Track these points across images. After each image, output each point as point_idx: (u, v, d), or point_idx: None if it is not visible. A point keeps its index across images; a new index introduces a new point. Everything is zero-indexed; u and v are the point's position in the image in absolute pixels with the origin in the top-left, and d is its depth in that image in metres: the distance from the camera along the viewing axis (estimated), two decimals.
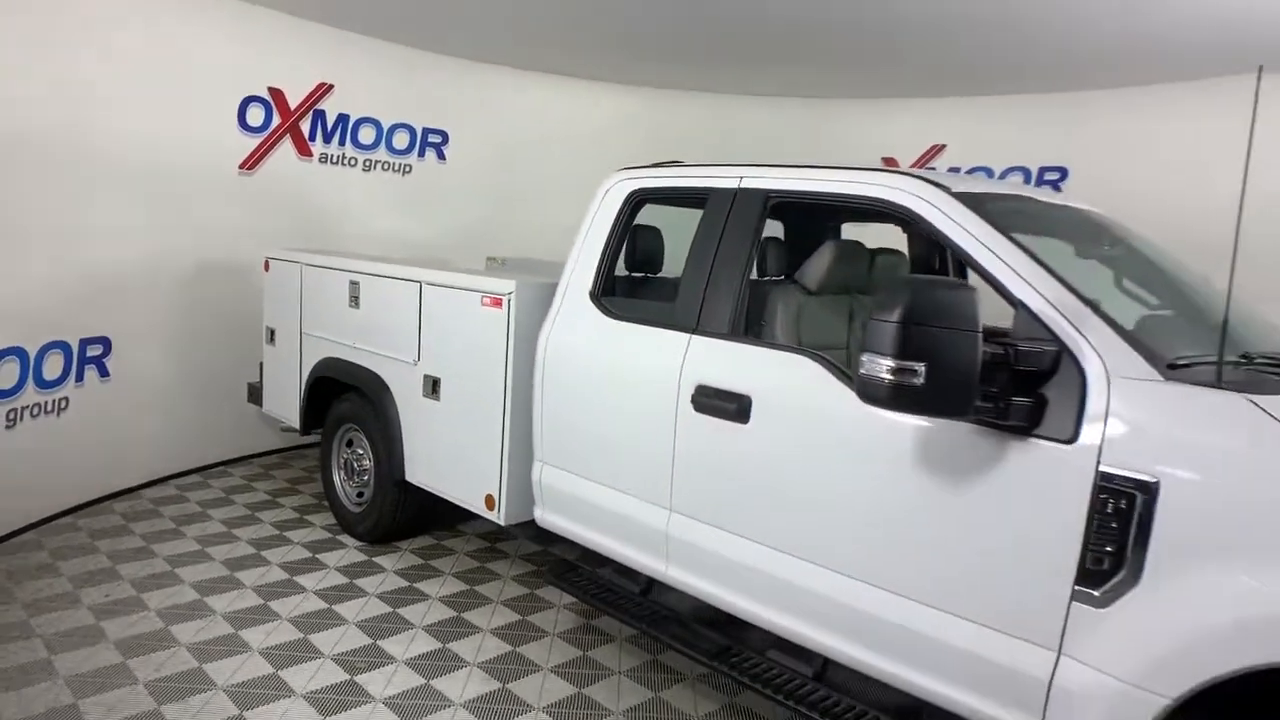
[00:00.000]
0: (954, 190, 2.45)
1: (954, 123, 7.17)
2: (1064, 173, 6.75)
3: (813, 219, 3.92)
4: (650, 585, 3.14)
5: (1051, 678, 2.02)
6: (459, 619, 3.64)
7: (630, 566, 3.10)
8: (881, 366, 1.93)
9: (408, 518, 4.26)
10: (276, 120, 5.74)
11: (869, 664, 2.41)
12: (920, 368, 1.91)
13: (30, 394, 4.29)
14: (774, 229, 3.59)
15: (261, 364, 5.11)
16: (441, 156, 6.72)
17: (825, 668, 2.62)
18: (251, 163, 5.63)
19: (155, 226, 5.04)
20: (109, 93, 4.66)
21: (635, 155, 6.26)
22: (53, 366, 4.43)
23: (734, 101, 7.32)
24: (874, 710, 2.47)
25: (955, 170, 7.11)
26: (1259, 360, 2.19)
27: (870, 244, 3.28)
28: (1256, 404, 1.84)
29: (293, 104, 5.80)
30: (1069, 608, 1.99)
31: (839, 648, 2.47)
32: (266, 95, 5.64)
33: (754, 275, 2.89)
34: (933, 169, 7.04)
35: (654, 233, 3.52)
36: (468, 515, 3.79)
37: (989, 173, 7.04)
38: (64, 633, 3.31)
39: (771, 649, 2.75)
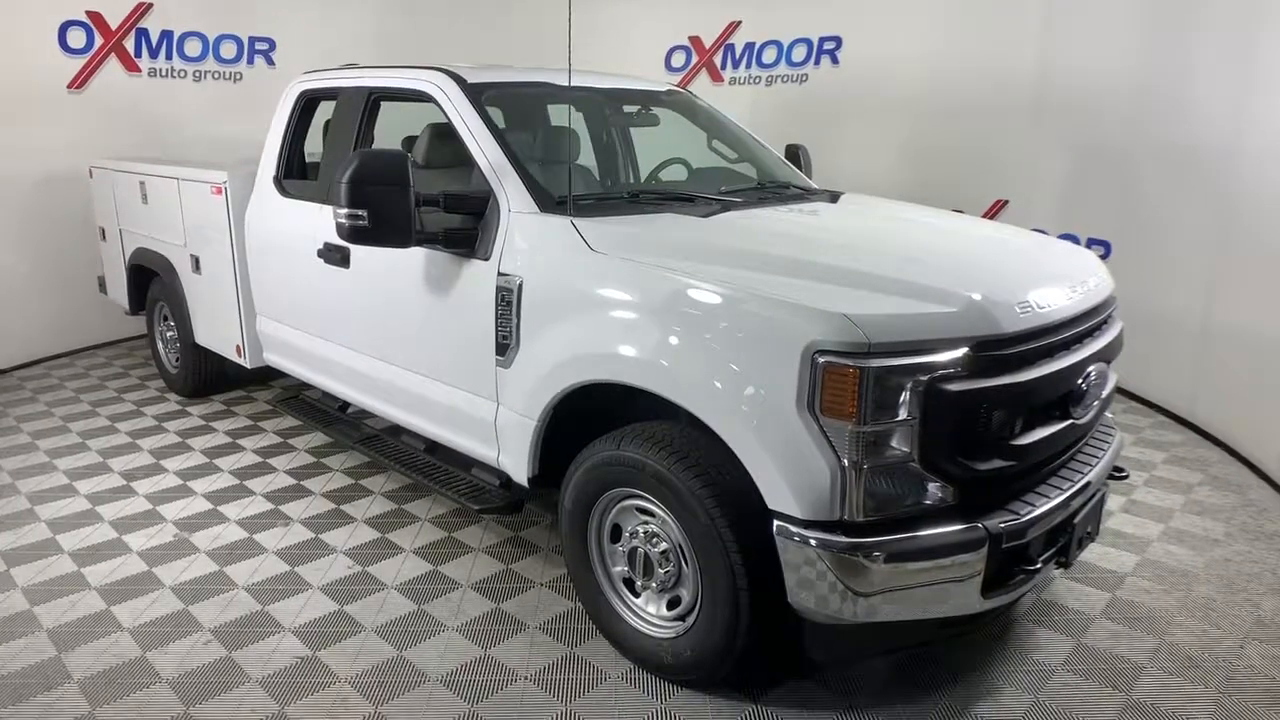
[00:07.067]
0: (468, 81, 3.25)
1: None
2: (839, 41, 7.37)
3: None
4: (347, 405, 4.14)
5: (495, 419, 3.01)
6: (232, 444, 4.67)
7: (321, 389, 4.10)
8: (341, 215, 2.82)
9: (210, 374, 5.22)
10: (99, 41, 6.39)
11: (412, 423, 3.43)
12: (364, 213, 2.79)
13: None
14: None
15: (102, 259, 5.99)
16: (271, 63, 7.34)
17: (435, 447, 3.63)
18: (79, 82, 6.33)
19: None
20: None
21: (449, 54, 6.89)
22: None
23: None
24: (456, 469, 3.47)
25: (751, 45, 7.74)
26: (642, 195, 3.07)
27: None
28: (574, 225, 2.73)
29: (113, 24, 6.43)
30: (496, 372, 2.95)
31: (397, 415, 3.49)
32: (84, 19, 6.28)
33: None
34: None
35: None
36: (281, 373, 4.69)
37: (779, 45, 7.67)
38: None
39: (403, 434, 3.77)
